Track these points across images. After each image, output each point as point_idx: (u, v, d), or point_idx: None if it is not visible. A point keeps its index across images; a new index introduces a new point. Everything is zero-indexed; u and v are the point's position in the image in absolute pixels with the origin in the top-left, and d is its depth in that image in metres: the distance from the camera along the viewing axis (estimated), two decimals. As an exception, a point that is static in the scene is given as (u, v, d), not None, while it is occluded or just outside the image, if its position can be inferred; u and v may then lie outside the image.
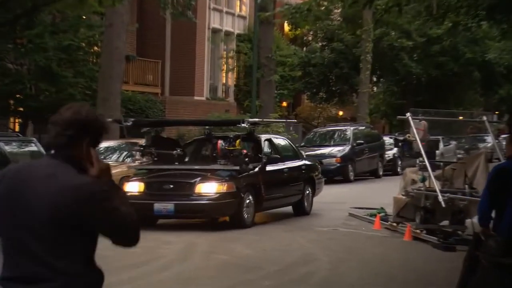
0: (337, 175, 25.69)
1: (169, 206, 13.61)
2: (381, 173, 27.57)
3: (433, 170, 12.87)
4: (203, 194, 13.67)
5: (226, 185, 13.70)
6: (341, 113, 44.04)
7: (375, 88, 44.74)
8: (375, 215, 15.07)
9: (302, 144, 27.46)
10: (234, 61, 36.82)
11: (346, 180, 25.46)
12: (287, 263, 10.72)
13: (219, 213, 14.04)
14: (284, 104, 41.03)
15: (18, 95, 23.96)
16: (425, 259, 11.21)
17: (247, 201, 14.10)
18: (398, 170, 27.29)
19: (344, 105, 42.83)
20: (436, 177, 12.78)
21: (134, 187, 14.10)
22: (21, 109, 24.34)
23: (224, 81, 37.56)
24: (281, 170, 15.48)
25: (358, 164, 26.19)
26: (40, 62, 22.78)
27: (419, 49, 39.25)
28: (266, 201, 14.65)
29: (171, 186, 13.88)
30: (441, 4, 13.30)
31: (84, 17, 24.17)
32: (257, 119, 17.31)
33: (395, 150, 26.42)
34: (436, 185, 12.40)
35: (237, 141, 14.24)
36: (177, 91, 33.94)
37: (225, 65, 36.39)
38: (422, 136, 13.18)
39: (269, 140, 16.09)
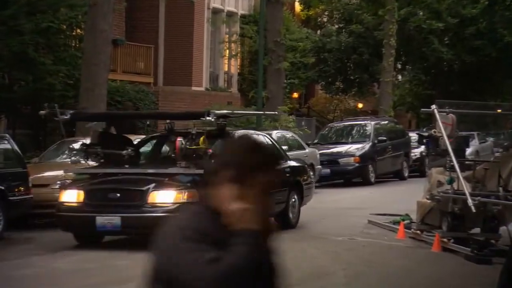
0: (356, 176, 25.83)
1: (114, 220, 12.82)
2: (406, 174, 27.69)
3: (462, 171, 12.99)
4: (158, 204, 12.86)
5: (186, 193, 12.87)
6: (360, 105, 44.13)
7: (399, 77, 44.80)
8: (398, 223, 15.19)
9: (315, 141, 27.60)
10: (237, 46, 36.95)
11: (365, 182, 25.60)
12: (297, 277, 10.77)
13: None
14: (295, 95, 41.14)
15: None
16: (456, 273, 11.32)
17: None
18: (426, 170, 27.38)
19: (364, 97, 42.92)
20: (466, 179, 12.89)
21: (71, 196, 13.38)
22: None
23: (226, 69, 37.68)
24: None
25: (379, 164, 26.32)
26: (15, 47, 22.93)
27: (450, 32, 39.30)
28: None
29: (118, 195, 13.12)
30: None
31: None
32: (225, 111, 16.14)
33: (422, 148, 26.52)
34: (466, 188, 12.51)
35: (201, 139, 13.33)
36: (172, 81, 34.07)
37: (227, 51, 36.52)
38: (449, 132, 13.30)
39: None
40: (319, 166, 24.23)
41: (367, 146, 26.25)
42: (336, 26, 42.09)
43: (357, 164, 25.54)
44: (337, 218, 17.34)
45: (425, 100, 38.00)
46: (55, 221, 13.98)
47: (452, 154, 12.94)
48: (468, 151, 18.28)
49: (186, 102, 32.40)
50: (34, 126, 25.11)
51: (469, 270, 11.51)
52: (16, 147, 15.65)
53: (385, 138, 26.94)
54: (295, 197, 15.76)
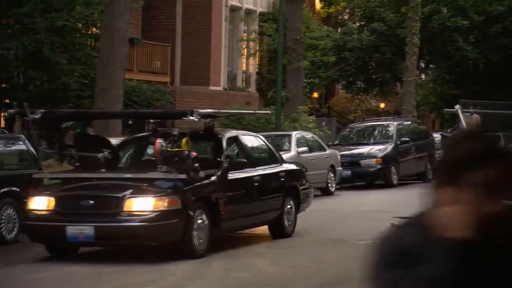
0: (378, 178, 25.75)
1: (87, 230, 12.00)
2: (430, 176, 27.55)
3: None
4: (135, 213, 12.06)
5: (167, 200, 12.04)
6: (382, 105, 44.05)
7: (423, 76, 44.65)
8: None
9: (336, 142, 27.55)
10: (256, 44, 36.95)
11: (388, 184, 25.50)
12: (319, 283, 10.77)
13: (157, 238, 12.15)
14: (315, 95, 41.10)
15: (4, 85, 24.27)
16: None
17: (199, 221, 12.42)
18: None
19: (386, 96, 42.83)
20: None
21: (41, 204, 12.59)
22: (7, 101, 24.64)
23: (244, 68, 37.71)
24: (250, 178, 13.90)
25: (402, 166, 26.21)
26: (29, 46, 23.05)
27: (476, 30, 39.12)
28: (227, 220, 13.06)
29: (91, 202, 12.28)
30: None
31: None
32: (210, 110, 15.14)
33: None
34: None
35: (183, 140, 12.56)
36: (190, 80, 34.15)
37: (245, 50, 36.53)
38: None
39: (235, 139, 14.41)
40: (340, 168, 24.18)
41: (389, 147, 26.16)
42: (358, 24, 42.01)
43: (379, 166, 25.44)
44: (359, 222, 17.27)
45: (449, 100, 37.83)
46: (23, 230, 13.51)
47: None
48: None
49: (203, 102, 32.43)
50: (49, 127, 25.18)
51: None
52: (31, 148, 15.70)
53: (408, 139, 26.83)
54: (291, 203, 14.89)
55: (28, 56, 23.60)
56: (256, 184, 13.96)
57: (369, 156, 25.66)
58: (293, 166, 16.02)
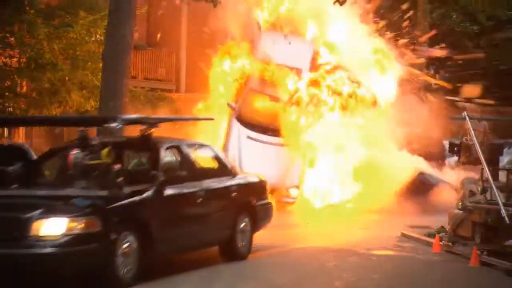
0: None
1: None
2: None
3: (495, 180, 13.06)
4: (45, 237, 10.18)
5: (84, 221, 10.35)
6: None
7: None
8: (433, 235, 15.25)
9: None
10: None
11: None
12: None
13: (72, 268, 10.39)
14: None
15: (6, 93, 24.47)
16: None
17: (125, 245, 10.77)
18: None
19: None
20: (500, 188, 12.96)
21: None
22: (10, 109, 24.85)
23: (251, 75, 37.76)
24: (192, 194, 12.30)
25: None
26: (33, 53, 23.25)
27: (485, 35, 39.16)
28: (162, 243, 11.45)
29: None
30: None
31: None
32: (136, 116, 13.50)
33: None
34: (499, 197, 12.59)
35: (104, 151, 11.51)
36: (195, 88, 34.25)
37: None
38: (481, 139, 13.40)
39: (177, 149, 12.74)
40: None
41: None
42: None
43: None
44: (367, 230, 17.40)
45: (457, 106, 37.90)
46: None
47: (484, 162, 13.03)
48: (506, 159, 18.37)
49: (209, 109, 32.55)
50: (51, 135, 25.44)
51: (509, 285, 11.56)
52: (35, 157, 15.84)
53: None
54: (246, 221, 13.41)
55: (30, 64, 23.80)
56: (200, 200, 12.37)
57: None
58: (249, 179, 14.22)
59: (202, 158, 13.32)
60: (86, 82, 24.82)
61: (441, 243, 14.45)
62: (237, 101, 23.88)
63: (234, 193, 13.27)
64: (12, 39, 24.06)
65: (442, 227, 15.83)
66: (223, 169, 13.53)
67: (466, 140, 13.88)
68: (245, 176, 14.25)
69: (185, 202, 12.20)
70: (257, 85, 23.72)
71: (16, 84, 24.22)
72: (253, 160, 21.90)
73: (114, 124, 11.84)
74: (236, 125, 23.48)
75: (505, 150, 19.43)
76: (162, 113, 28.47)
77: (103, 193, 10.92)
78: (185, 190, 12.17)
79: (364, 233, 17.29)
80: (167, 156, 12.19)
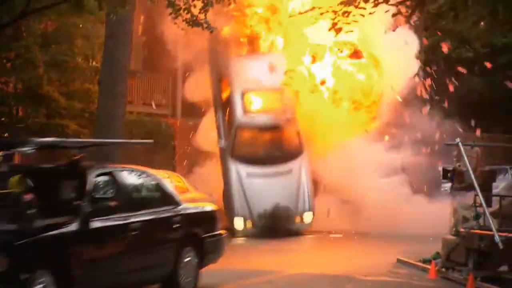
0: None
1: None
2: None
3: (489, 206, 13.24)
4: None
5: None
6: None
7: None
8: (429, 261, 15.33)
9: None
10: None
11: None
12: None
13: None
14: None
15: (3, 119, 24.62)
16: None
17: (38, 286, 9.53)
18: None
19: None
20: (493, 214, 13.13)
21: None
22: (6, 134, 24.98)
23: (247, 101, 37.87)
24: (125, 226, 11.06)
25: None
26: (29, 81, 23.43)
27: (481, 62, 39.40)
28: (86, 282, 10.21)
29: None
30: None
31: (81, 25, 24.88)
32: (53, 139, 12.61)
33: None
34: (493, 223, 12.75)
35: (14, 179, 10.51)
36: (192, 113, 34.35)
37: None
38: (474, 165, 13.58)
39: (110, 175, 11.47)
40: None
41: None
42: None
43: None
44: (363, 256, 17.48)
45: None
46: None
47: (477, 188, 13.21)
48: (501, 185, 18.56)
49: (205, 135, 32.66)
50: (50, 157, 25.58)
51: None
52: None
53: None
54: (191, 255, 12.27)
55: (26, 91, 23.98)
56: (134, 233, 11.13)
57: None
58: (196, 208, 13.10)
59: (141, 186, 12.10)
60: (82, 111, 25.00)
61: (436, 268, 14.58)
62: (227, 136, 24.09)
63: (177, 225, 12.06)
64: (8, 64, 24.26)
65: (438, 253, 15.95)
66: (165, 198, 12.30)
67: (459, 166, 14.06)
68: (192, 205, 13.10)
69: (116, 236, 10.95)
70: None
71: (11, 111, 24.39)
72: (260, 196, 21.98)
73: (25, 149, 10.86)
74: (234, 165, 23.45)
75: (504, 176, 19.66)
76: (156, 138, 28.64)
77: (11, 226, 9.83)
78: (117, 222, 10.94)
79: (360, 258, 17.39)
80: (97, 184, 11.01)
